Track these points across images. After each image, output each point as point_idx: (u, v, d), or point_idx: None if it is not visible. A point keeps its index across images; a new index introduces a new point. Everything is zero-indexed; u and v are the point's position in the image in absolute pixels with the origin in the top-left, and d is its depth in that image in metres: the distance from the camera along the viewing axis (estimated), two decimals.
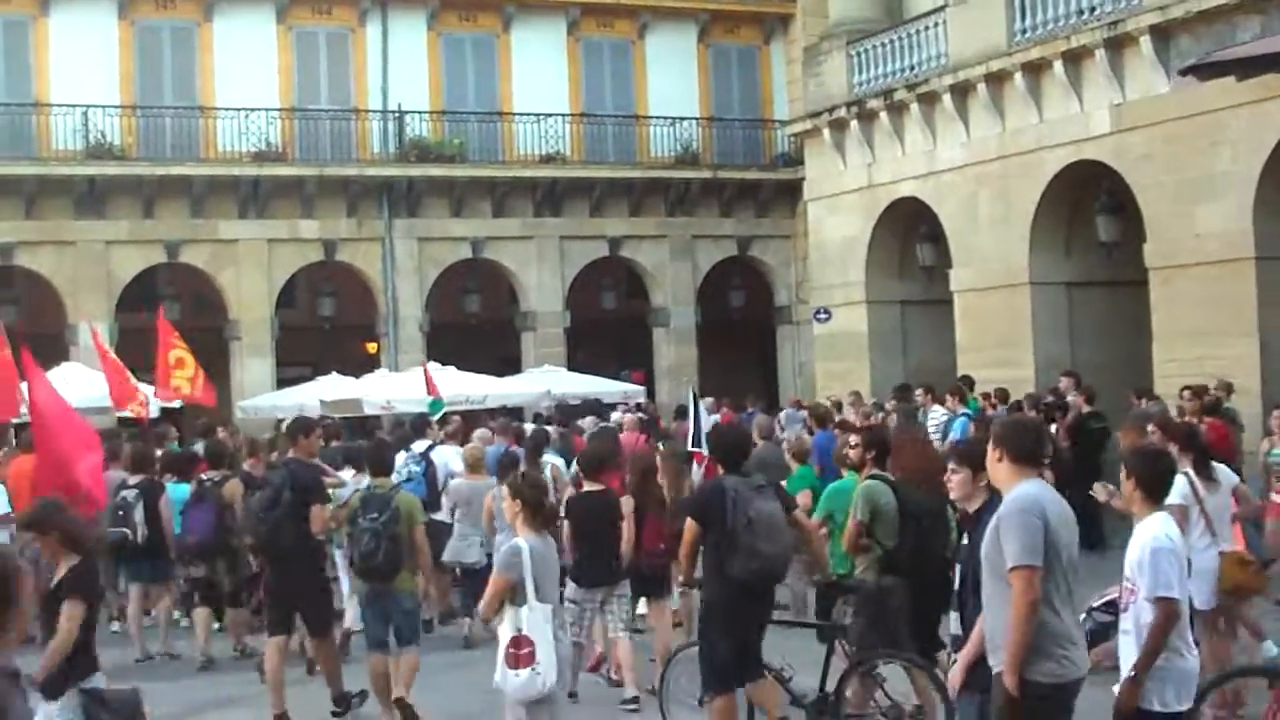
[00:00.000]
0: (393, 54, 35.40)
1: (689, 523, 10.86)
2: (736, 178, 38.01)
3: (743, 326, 39.10)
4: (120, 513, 15.92)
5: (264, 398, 31.34)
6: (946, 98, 29.24)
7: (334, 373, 30.78)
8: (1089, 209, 27.46)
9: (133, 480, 16.26)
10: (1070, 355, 27.16)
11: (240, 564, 15.62)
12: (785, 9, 38.22)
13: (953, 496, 8.64)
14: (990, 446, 7.85)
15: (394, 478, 13.91)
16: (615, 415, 25.47)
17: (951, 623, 8.72)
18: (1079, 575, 7.68)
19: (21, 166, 32.07)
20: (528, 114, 36.00)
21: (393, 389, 28.14)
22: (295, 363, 34.24)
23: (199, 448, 19.43)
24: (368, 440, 18.57)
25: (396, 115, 35.13)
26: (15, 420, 19.37)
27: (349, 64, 35.46)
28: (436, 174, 35.30)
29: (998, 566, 7.51)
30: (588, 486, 13.68)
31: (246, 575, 15.58)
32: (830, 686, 10.87)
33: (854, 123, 32.14)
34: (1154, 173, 24.89)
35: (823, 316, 33.78)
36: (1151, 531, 7.80)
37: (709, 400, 26.31)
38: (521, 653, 9.16)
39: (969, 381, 25.24)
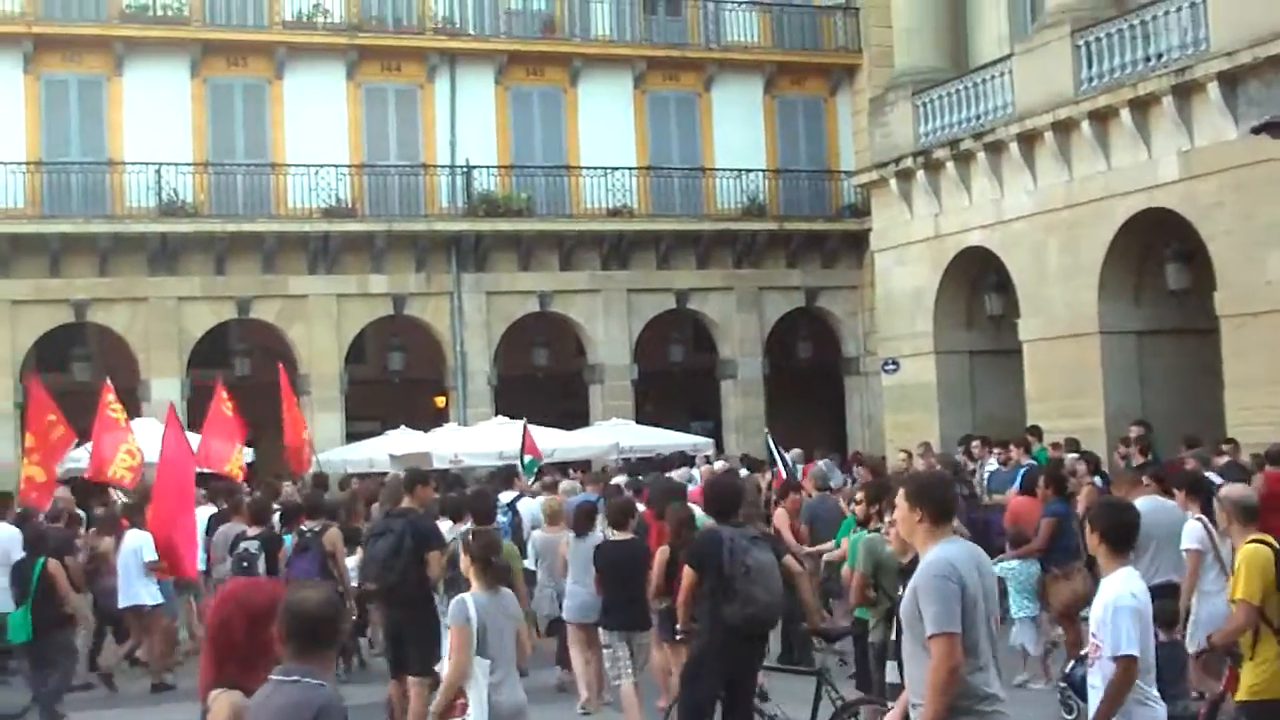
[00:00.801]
0: (461, 109, 35.67)
1: (686, 570, 11.23)
2: (803, 229, 38.00)
3: (810, 378, 39.01)
4: (244, 564, 16.17)
5: (334, 452, 31.45)
6: (1013, 146, 29.19)
7: (403, 426, 30.88)
8: (1158, 257, 27.31)
9: (252, 532, 16.72)
10: (1141, 404, 26.95)
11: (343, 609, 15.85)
12: (851, 60, 38.31)
13: (891, 548, 8.64)
14: (907, 506, 7.69)
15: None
16: (692, 469, 25.60)
17: (889, 671, 8.88)
18: (999, 629, 7.66)
19: (96, 224, 32.50)
20: (595, 167, 36.18)
21: (461, 443, 28.26)
22: (365, 417, 34.36)
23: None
24: (458, 492, 18.96)
25: (465, 170, 35.36)
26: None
27: (418, 120, 35.74)
28: (504, 228, 35.49)
29: (916, 630, 7.45)
30: (614, 535, 14.07)
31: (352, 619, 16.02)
32: None
33: (920, 173, 32.14)
34: (1224, 220, 24.73)
35: (891, 367, 33.69)
36: (1115, 589, 7.78)
37: (797, 451, 26.28)
38: (459, 703, 9.54)
39: (1037, 432, 25.10)
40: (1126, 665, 7.58)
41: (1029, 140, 28.92)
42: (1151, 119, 26.25)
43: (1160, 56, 26.07)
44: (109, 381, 23.42)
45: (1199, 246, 25.64)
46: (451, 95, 35.71)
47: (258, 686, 5.67)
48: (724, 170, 37.38)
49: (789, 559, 11.80)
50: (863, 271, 37.77)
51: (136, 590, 18.23)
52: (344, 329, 34.84)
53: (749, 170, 37.46)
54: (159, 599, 18.36)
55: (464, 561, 10.11)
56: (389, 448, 28.54)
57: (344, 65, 34.97)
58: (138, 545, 18.18)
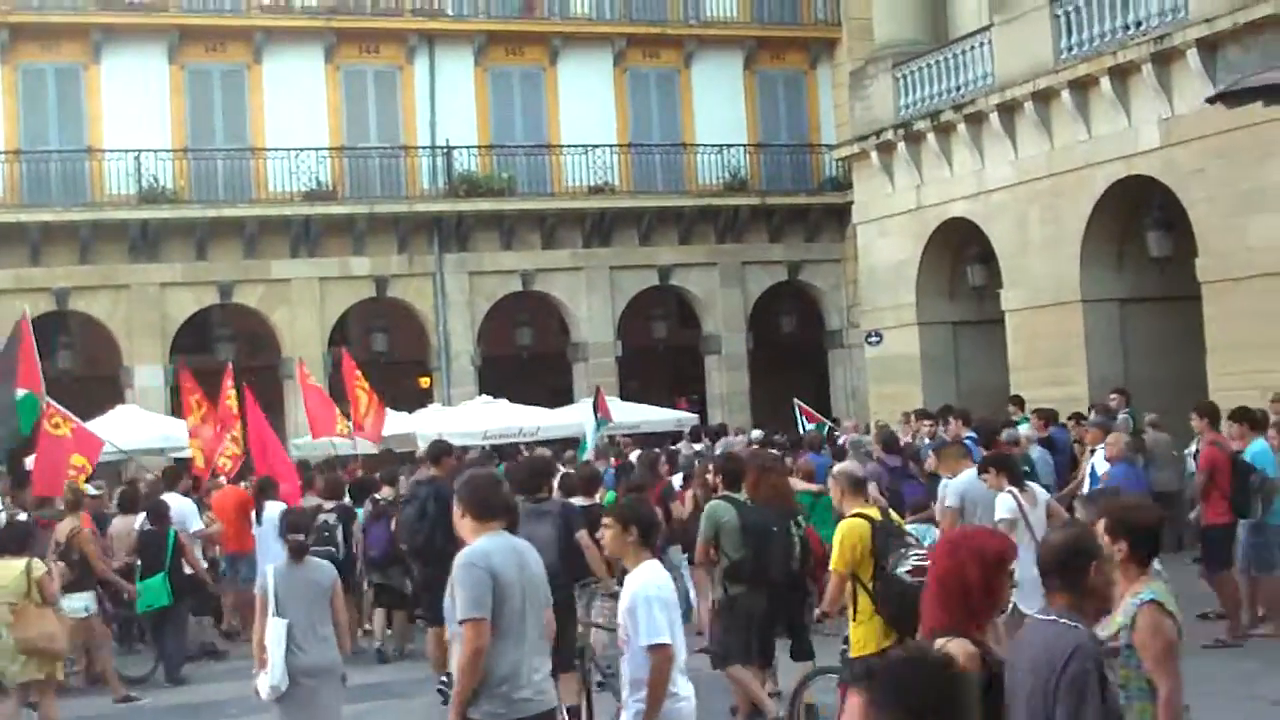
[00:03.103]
0: (440, 90, 35.62)
1: None
2: (785, 203, 38.02)
3: (794, 351, 39.04)
4: (325, 534, 17.57)
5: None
6: (994, 117, 29.17)
7: (387, 408, 30.82)
8: (1140, 225, 27.31)
9: (329, 505, 18.37)
10: (1124, 372, 26.99)
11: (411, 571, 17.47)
12: (830, 34, 38.31)
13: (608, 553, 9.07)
14: (456, 504, 8.21)
15: None
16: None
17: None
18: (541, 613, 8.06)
19: (76, 212, 32.44)
20: (576, 146, 36.15)
21: (446, 423, 28.21)
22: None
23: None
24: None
25: (445, 151, 35.32)
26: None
27: (397, 101, 35.70)
28: (486, 208, 35.47)
29: (452, 616, 7.94)
30: (583, 501, 15.21)
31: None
32: None
33: (901, 145, 32.10)
34: (1205, 186, 24.73)
35: (874, 340, 33.71)
36: (640, 580, 7.94)
37: (758, 433, 26.57)
38: (263, 657, 10.46)
39: (1020, 402, 25.12)
40: (661, 653, 7.71)
41: (1009, 110, 28.89)
42: (1131, 87, 26.23)
43: (1139, 24, 26.03)
44: (229, 367, 23.59)
45: (1180, 213, 25.64)
46: (431, 76, 35.66)
47: (981, 634, 5.81)
48: (705, 146, 37.36)
49: (581, 533, 12.82)
50: (845, 244, 37.79)
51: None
52: (327, 312, 34.82)
53: (730, 145, 37.46)
54: None
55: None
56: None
57: (322, 48, 34.91)
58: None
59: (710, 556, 12.69)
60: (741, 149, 37.72)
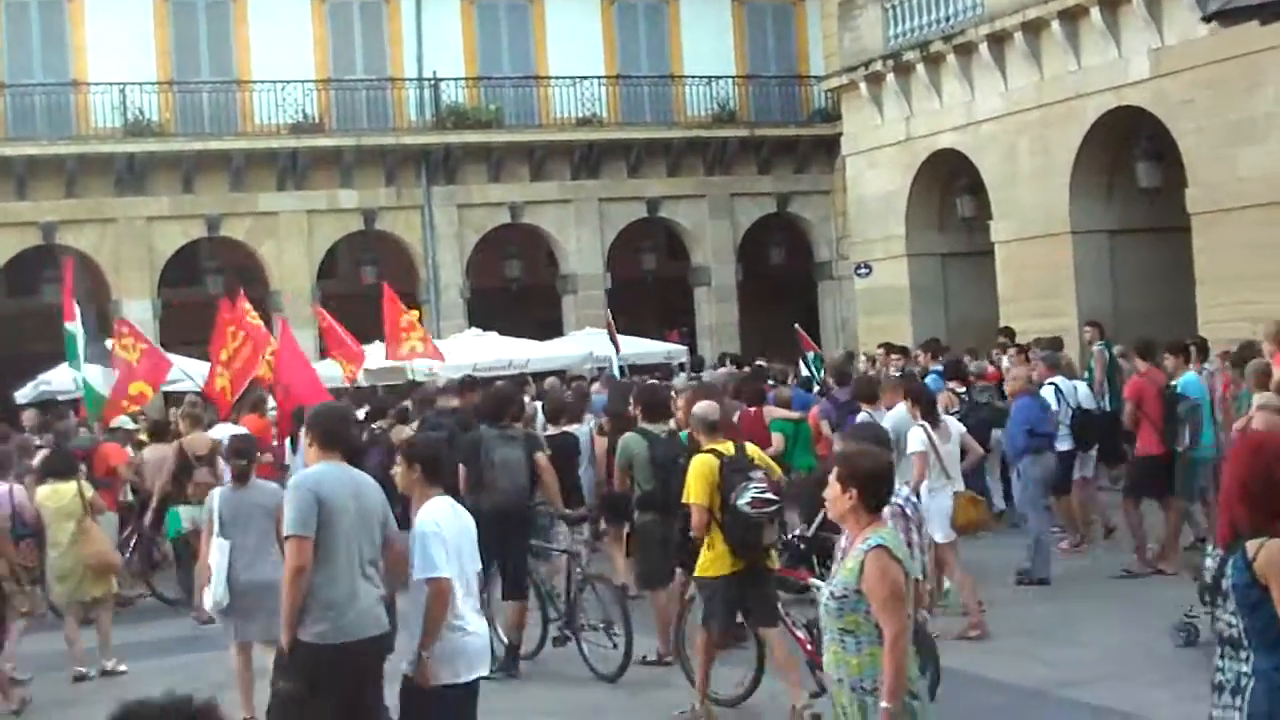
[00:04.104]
0: (426, 21, 35.38)
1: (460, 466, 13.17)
2: (774, 135, 37.91)
3: (784, 283, 39.01)
4: None
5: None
6: (983, 48, 29.07)
7: (377, 341, 30.79)
8: (1130, 156, 27.29)
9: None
10: (1113, 304, 27.03)
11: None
12: None
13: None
14: (305, 432, 8.87)
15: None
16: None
17: None
18: (379, 545, 8.38)
19: (61, 146, 32.27)
20: (563, 77, 35.96)
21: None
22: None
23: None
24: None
25: (432, 83, 35.14)
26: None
27: (383, 33, 35.47)
28: (473, 140, 35.33)
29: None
30: (552, 430, 16.21)
31: None
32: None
33: (890, 76, 31.98)
34: (1194, 117, 24.70)
35: (864, 271, 33.69)
36: (422, 516, 8.19)
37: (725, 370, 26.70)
38: (208, 575, 11.24)
39: (1010, 333, 25.14)
40: (437, 587, 7.93)
41: (999, 41, 28.79)
42: (1121, 17, 26.14)
43: None
44: (242, 293, 23.28)
45: (1170, 144, 25.62)
46: (417, 7, 35.42)
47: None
48: (694, 77, 37.19)
49: (539, 455, 13.40)
50: (834, 176, 37.72)
51: None
52: (315, 245, 34.74)
53: (719, 77, 37.30)
54: None
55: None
56: (364, 362, 28.42)
57: None
58: None
59: (625, 485, 13.73)
60: (730, 80, 37.56)
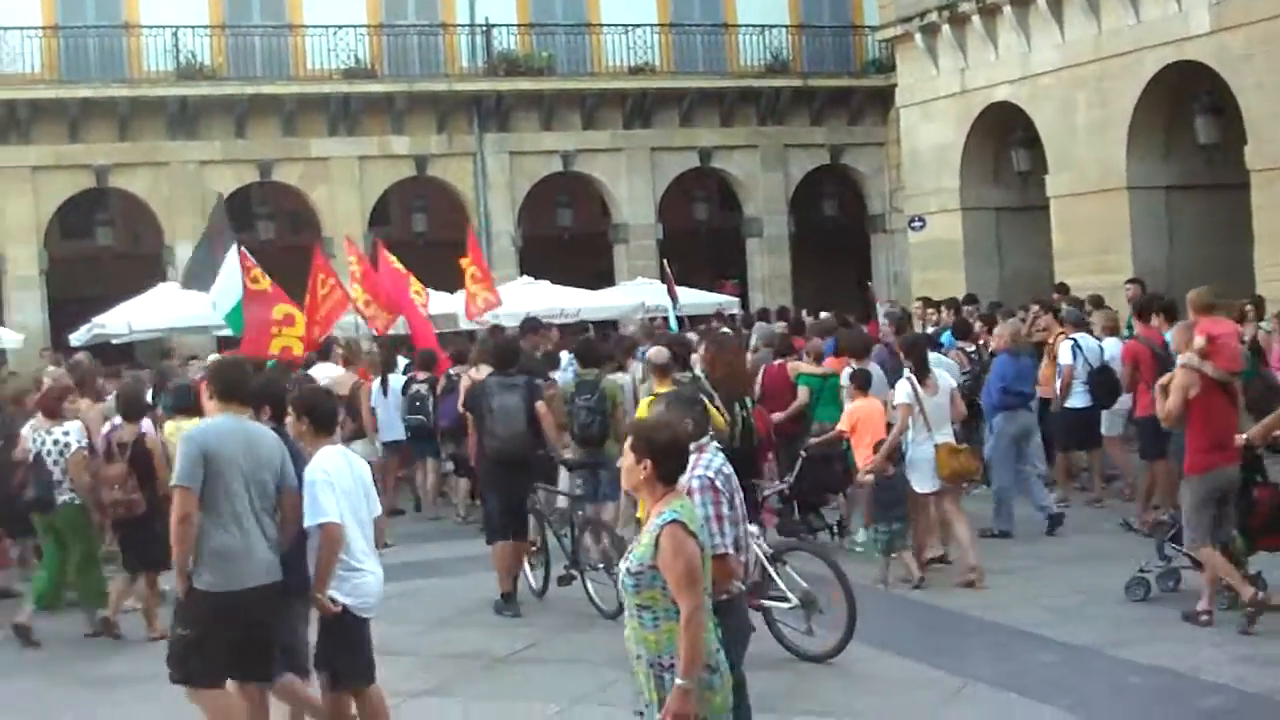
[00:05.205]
0: None
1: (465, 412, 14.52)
2: (827, 85, 37.64)
3: (836, 235, 38.83)
4: (417, 404, 18.90)
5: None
6: (1040, 0, 28.77)
7: (429, 289, 30.78)
8: (1188, 111, 27.02)
9: (421, 377, 19.24)
10: (1168, 261, 26.83)
11: None
12: None
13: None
14: (205, 385, 9.16)
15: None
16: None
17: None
18: (273, 495, 8.64)
19: (114, 89, 32.32)
20: (616, 25, 35.75)
21: None
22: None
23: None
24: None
25: (484, 29, 35.01)
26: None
27: None
28: (526, 87, 35.22)
29: None
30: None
31: None
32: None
33: (946, 27, 31.69)
34: (1254, 73, 24.42)
35: (917, 224, 33.50)
36: (312, 464, 8.54)
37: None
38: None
39: (1064, 289, 24.93)
40: (327, 531, 8.37)
41: None
42: None
43: None
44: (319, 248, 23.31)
45: (1229, 100, 25.35)
46: None
47: None
48: (747, 26, 36.93)
49: (540, 403, 13.74)
50: (888, 128, 37.45)
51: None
52: (367, 191, 34.73)
53: (772, 26, 37.02)
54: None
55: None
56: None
57: None
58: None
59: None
60: (783, 30, 37.27)
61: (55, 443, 13.18)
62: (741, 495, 7.93)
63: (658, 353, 12.21)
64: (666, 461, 6.53)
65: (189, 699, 8.66)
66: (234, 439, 8.54)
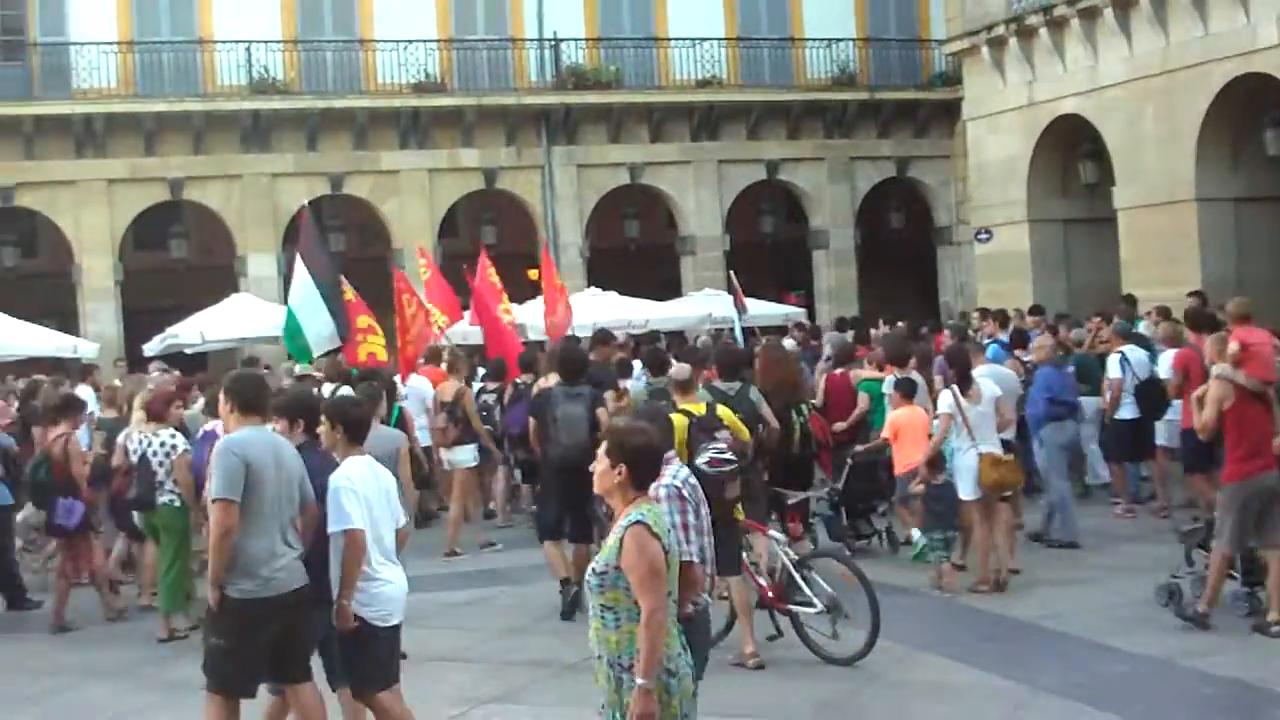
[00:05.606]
0: None
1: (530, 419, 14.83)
2: (894, 98, 37.71)
3: (902, 247, 38.86)
4: (484, 413, 19.09)
5: None
6: (1108, 12, 28.74)
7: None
8: (1257, 123, 26.92)
9: (491, 387, 19.70)
10: (1236, 273, 26.72)
11: None
12: None
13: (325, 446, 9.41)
14: (222, 398, 9.10)
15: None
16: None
17: None
18: (298, 505, 8.76)
19: (188, 103, 32.74)
20: (683, 38, 35.95)
21: None
22: (459, 290, 34.52)
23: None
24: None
25: (553, 43, 35.26)
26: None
27: None
28: (593, 100, 35.45)
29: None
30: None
31: None
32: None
33: (1013, 40, 31.67)
34: None
35: (984, 237, 33.47)
36: (338, 472, 8.80)
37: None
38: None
39: (1132, 301, 24.89)
40: (350, 537, 8.58)
41: (1124, 5, 28.44)
42: None
43: None
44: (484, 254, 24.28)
45: None
46: None
47: None
48: (814, 40, 37.04)
49: (601, 410, 13.97)
50: (954, 141, 37.45)
51: None
52: (436, 203, 35.04)
53: (839, 39, 37.10)
54: None
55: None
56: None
57: None
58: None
59: None
60: (850, 43, 37.35)
61: (161, 445, 13.92)
62: (707, 507, 8.16)
63: (679, 369, 12.39)
64: (640, 467, 6.64)
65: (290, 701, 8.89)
66: (266, 450, 8.69)
